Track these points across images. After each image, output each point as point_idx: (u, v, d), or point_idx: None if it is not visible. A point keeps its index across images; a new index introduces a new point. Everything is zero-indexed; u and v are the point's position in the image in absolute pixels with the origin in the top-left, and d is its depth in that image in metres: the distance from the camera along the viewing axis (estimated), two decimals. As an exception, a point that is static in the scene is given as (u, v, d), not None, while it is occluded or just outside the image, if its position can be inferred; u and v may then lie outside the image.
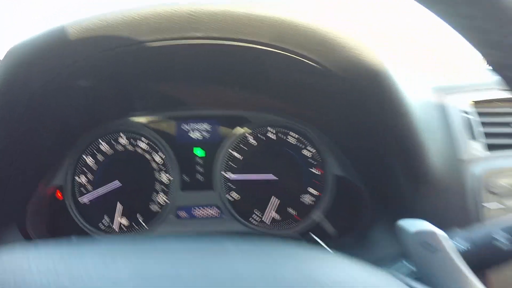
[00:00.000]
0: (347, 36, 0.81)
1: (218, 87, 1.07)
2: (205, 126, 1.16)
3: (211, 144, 1.15)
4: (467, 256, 0.64)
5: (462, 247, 0.67)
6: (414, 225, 0.57)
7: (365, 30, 0.87)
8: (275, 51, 0.82)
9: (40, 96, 0.89)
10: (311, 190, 1.14)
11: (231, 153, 1.14)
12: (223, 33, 0.80)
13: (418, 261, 0.55)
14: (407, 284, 0.40)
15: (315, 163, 1.15)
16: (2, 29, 1.38)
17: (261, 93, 1.07)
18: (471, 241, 0.67)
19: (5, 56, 0.85)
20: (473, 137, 0.98)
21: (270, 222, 1.14)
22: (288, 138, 1.15)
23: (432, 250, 0.54)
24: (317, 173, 1.15)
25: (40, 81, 0.86)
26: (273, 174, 1.13)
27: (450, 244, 0.55)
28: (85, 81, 0.94)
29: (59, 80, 0.88)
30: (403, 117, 0.87)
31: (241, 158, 1.14)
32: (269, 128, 1.15)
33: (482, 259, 0.65)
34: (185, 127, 1.16)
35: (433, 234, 0.55)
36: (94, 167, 1.14)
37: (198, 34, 0.81)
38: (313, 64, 0.82)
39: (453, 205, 0.92)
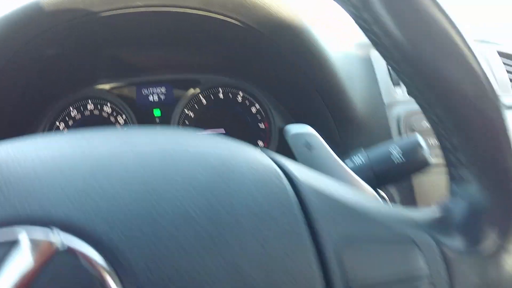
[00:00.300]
0: None
1: (168, 52, 1.21)
2: (162, 89, 1.30)
3: (168, 106, 1.29)
4: (364, 169, 0.77)
5: (359, 161, 0.79)
6: (296, 128, 0.68)
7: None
8: (205, 14, 0.96)
9: (15, 65, 1.04)
10: (259, 142, 1.29)
11: (185, 112, 1.28)
12: (160, 0, 0.95)
13: (301, 161, 0.68)
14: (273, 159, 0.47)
15: (261, 118, 1.29)
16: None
17: (205, 55, 1.21)
18: (368, 156, 0.79)
19: None
20: (395, 83, 1.12)
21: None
22: (236, 97, 1.29)
23: (311, 149, 0.67)
24: (263, 127, 1.29)
25: (11, 53, 1.01)
26: (224, 129, 1.28)
27: (326, 144, 0.67)
28: (51, 50, 1.08)
29: (29, 50, 1.03)
30: (324, 68, 1.01)
31: (193, 116, 1.29)
32: (219, 88, 1.29)
33: (378, 173, 0.76)
34: (145, 91, 1.30)
35: (311, 134, 0.66)
36: (65, 131, 1.29)
37: (139, 2, 0.95)
38: (238, 23, 0.96)
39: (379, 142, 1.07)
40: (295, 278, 0.36)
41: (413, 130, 1.08)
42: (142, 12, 0.97)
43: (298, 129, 0.69)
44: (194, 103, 1.29)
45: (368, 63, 1.14)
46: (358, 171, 0.74)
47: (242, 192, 0.39)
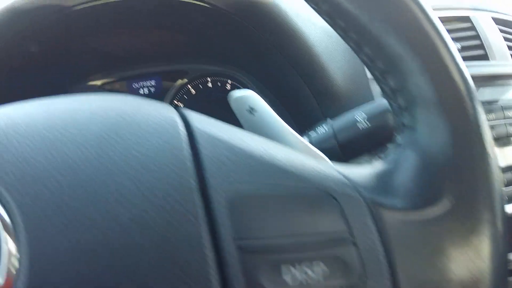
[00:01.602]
0: None
1: (149, 44, 1.21)
2: (152, 82, 1.31)
3: (158, 98, 1.29)
4: (326, 139, 0.73)
5: (322, 130, 0.75)
6: (238, 92, 0.65)
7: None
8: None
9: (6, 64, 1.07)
10: (250, 129, 1.27)
11: (174, 103, 1.28)
12: None
13: (245, 125, 0.66)
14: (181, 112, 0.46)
15: (251, 105, 1.27)
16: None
17: (187, 43, 1.20)
18: (331, 126, 0.75)
19: None
20: None
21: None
22: (225, 86, 1.28)
23: (254, 112, 0.64)
24: (254, 114, 1.27)
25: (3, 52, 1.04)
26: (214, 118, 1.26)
27: (269, 107, 0.64)
28: (35, 47, 1.11)
29: (16, 49, 1.06)
30: (298, 44, 0.98)
31: (185, 107, 1.28)
32: (207, 78, 1.28)
33: (342, 141, 0.72)
34: (135, 85, 1.31)
35: (252, 97, 0.64)
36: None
37: None
38: (205, 5, 0.95)
39: None
40: (178, 232, 0.34)
41: (398, 104, 1.03)
42: (111, 1, 0.98)
43: (240, 93, 0.66)
44: (183, 94, 1.28)
45: None
46: (320, 140, 0.71)
47: (130, 140, 0.37)
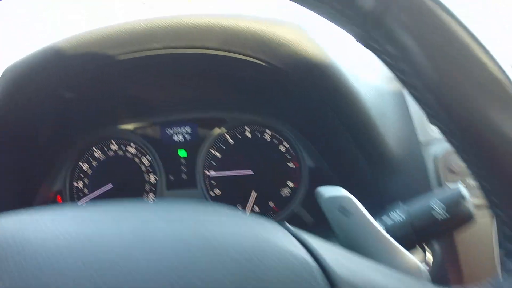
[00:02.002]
0: (289, 33, 0.89)
1: (191, 91, 1.17)
2: (187, 129, 1.26)
3: (193, 145, 1.24)
4: (403, 227, 0.69)
5: (399, 218, 0.71)
6: (330, 191, 0.62)
7: (308, 23, 0.95)
8: (226, 55, 0.91)
9: (36, 109, 1.02)
10: (288, 183, 1.22)
11: (211, 152, 1.23)
12: (176, 42, 0.91)
13: (336, 226, 0.62)
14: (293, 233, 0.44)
15: (290, 157, 1.22)
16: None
17: (229, 94, 1.16)
18: (408, 212, 0.71)
19: (3, 75, 0.98)
20: None
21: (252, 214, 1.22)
22: (264, 135, 1.23)
23: (347, 214, 0.60)
24: (293, 166, 1.22)
25: (34, 97, 0.98)
26: (251, 170, 1.22)
27: (364, 208, 0.60)
28: (70, 94, 1.06)
29: (50, 95, 1.01)
30: (353, 105, 0.94)
31: (220, 157, 1.23)
32: (245, 127, 1.24)
33: (418, 230, 0.69)
34: (169, 131, 1.26)
35: (347, 198, 0.60)
36: (89, 172, 1.25)
37: (156, 45, 0.92)
38: (262, 63, 0.91)
39: (416, 186, 0.98)
40: None
41: (451, 171, 0.99)
42: (160, 54, 0.93)
43: (332, 192, 0.63)
44: (220, 143, 1.23)
45: (400, 98, 1.06)
46: (397, 228, 0.68)
47: None
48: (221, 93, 1.17)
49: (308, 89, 0.96)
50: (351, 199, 0.61)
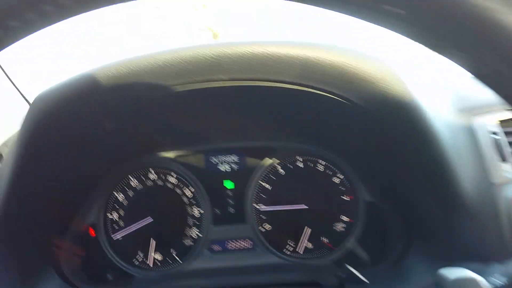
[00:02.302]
0: (373, 69, 0.81)
1: (244, 122, 1.07)
2: (233, 158, 1.16)
3: (241, 176, 1.15)
4: None
5: (500, 282, 0.65)
6: (454, 273, 0.56)
7: (389, 56, 0.87)
8: (298, 88, 0.82)
9: (67, 139, 0.91)
10: (343, 217, 1.14)
11: (261, 184, 1.14)
12: (246, 74, 0.81)
13: None
14: None
15: (345, 189, 1.14)
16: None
17: (286, 125, 1.07)
18: (509, 275, 0.66)
19: (34, 103, 0.87)
20: (503, 158, 0.96)
21: (304, 252, 1.13)
22: (316, 166, 1.15)
23: None
24: (347, 199, 1.14)
25: (68, 126, 0.88)
26: (304, 203, 1.13)
27: None
28: (111, 124, 0.95)
29: (86, 124, 0.90)
30: (431, 145, 0.86)
31: (271, 189, 1.14)
32: (297, 157, 1.15)
33: None
34: (214, 160, 1.16)
35: (473, 281, 0.55)
36: (125, 203, 1.15)
37: (222, 76, 0.82)
38: (338, 99, 0.82)
39: (488, 230, 0.90)
40: None
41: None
42: (224, 86, 0.84)
43: (458, 274, 0.57)
44: (270, 174, 1.14)
45: (470, 134, 0.98)
46: None
47: None
48: (273, 122, 1.07)
49: (383, 127, 0.88)
50: (477, 281, 0.55)
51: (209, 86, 0.84)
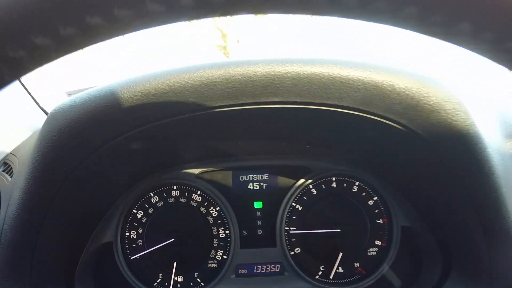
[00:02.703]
0: (439, 97, 0.75)
1: (281, 141, 1.00)
2: (264, 177, 1.09)
3: (272, 196, 1.08)
4: None
5: None
6: None
7: (455, 86, 0.81)
8: (357, 115, 0.76)
9: (88, 156, 0.83)
10: (376, 241, 1.08)
11: (293, 205, 1.07)
12: (304, 97, 0.74)
13: None
14: None
15: (379, 212, 1.08)
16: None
17: (329, 146, 1.01)
18: None
19: (48, 120, 0.79)
20: None
21: (334, 277, 1.07)
22: (352, 188, 1.08)
23: None
24: (381, 222, 1.09)
25: (89, 143, 0.80)
26: (337, 227, 1.07)
27: None
28: (138, 145, 0.87)
29: (110, 144, 0.82)
30: (486, 177, 0.82)
31: (303, 211, 1.08)
32: (332, 178, 1.08)
33: None
34: (243, 178, 1.10)
35: None
36: (144, 220, 1.08)
37: (276, 99, 0.75)
38: (398, 127, 0.76)
39: None
40: None
41: None
42: (270, 108, 0.77)
43: None
44: (302, 194, 1.08)
45: None
46: None
47: None
48: (315, 143, 1.01)
49: (438, 156, 0.82)
50: None
51: (257, 107, 0.77)
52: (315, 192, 1.08)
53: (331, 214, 1.08)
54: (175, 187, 1.08)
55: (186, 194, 1.08)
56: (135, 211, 1.08)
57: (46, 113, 1.23)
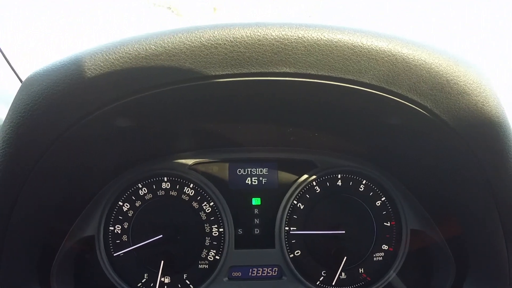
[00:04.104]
0: (471, 78, 0.66)
1: (285, 127, 0.91)
2: (264, 171, 1.00)
3: (271, 193, 1.00)
4: None
5: None
6: None
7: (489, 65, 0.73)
8: (378, 95, 0.66)
9: (68, 135, 0.72)
10: (383, 246, 1.00)
11: (294, 203, 0.98)
12: (319, 69, 0.64)
13: None
14: None
15: (388, 214, 0.99)
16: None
17: (338, 135, 0.91)
18: None
19: (23, 86, 0.68)
20: None
21: (337, 283, 0.98)
22: (359, 187, 1.00)
23: None
24: (388, 225, 1.00)
25: (67, 117, 0.68)
26: (342, 229, 0.98)
27: None
28: (125, 121, 0.77)
29: (92, 117, 0.70)
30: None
31: (305, 210, 0.98)
32: (338, 175, 0.99)
33: None
34: (240, 171, 1.00)
35: None
36: (131, 214, 0.98)
37: (287, 69, 0.64)
38: (422, 111, 0.67)
39: None
40: None
41: None
42: (278, 80, 0.66)
43: None
44: (304, 191, 0.99)
45: None
46: None
47: None
48: (323, 131, 0.91)
49: (462, 144, 0.73)
50: None
51: (263, 79, 0.66)
52: (319, 189, 0.99)
53: (335, 214, 0.99)
54: (165, 179, 0.99)
55: (177, 187, 0.99)
56: (121, 203, 0.98)
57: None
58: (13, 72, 1.07)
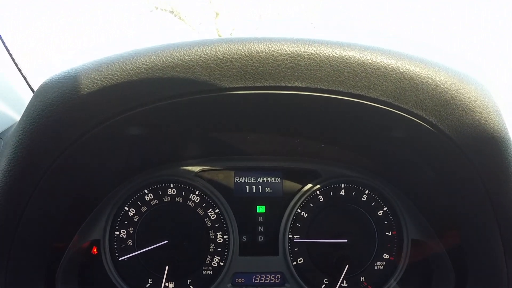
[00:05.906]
0: (474, 95, 0.68)
1: (293, 138, 0.93)
2: (270, 179, 1.02)
3: (276, 201, 1.01)
4: None
5: None
6: None
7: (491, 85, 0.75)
8: (385, 110, 0.68)
9: (81, 142, 0.73)
10: (385, 255, 1.01)
11: (298, 212, 1.00)
12: (330, 84, 0.66)
13: None
14: None
15: (389, 223, 1.01)
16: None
17: (343, 147, 0.93)
18: None
19: (38, 92, 0.69)
20: None
21: (338, 291, 1.00)
22: (362, 197, 1.01)
23: None
24: (389, 234, 1.02)
25: (85, 127, 0.70)
26: (344, 237, 0.99)
27: None
28: (137, 130, 0.78)
29: (105, 128, 0.72)
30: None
31: (309, 218, 1.00)
32: (341, 185, 1.01)
33: None
34: (245, 179, 1.02)
35: None
36: (135, 218, 0.99)
37: (299, 84, 0.66)
38: (427, 126, 0.69)
39: None
40: None
41: None
42: (289, 94, 0.68)
43: None
44: (308, 200, 1.00)
45: None
46: None
47: None
48: (329, 142, 0.93)
49: (465, 159, 0.75)
50: None
51: (275, 92, 0.68)
52: (322, 198, 1.01)
53: (338, 223, 1.01)
54: (171, 185, 1.00)
55: (183, 193, 1.00)
56: (127, 209, 0.99)
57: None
58: (21, 75, 1.08)
